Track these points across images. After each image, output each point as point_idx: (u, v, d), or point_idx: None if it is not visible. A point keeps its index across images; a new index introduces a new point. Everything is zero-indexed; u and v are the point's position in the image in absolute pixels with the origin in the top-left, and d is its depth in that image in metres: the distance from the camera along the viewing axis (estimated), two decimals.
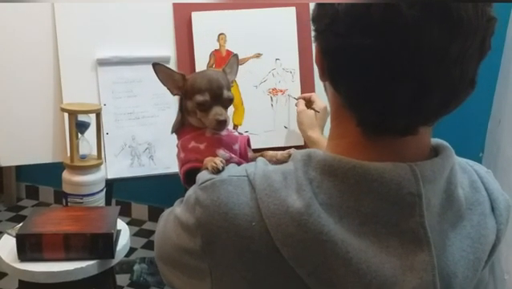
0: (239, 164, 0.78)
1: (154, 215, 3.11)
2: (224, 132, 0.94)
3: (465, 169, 0.72)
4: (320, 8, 0.63)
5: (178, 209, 0.71)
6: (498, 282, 1.56)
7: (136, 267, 2.43)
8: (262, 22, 1.62)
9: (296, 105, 1.54)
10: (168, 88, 0.97)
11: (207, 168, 0.73)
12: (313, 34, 0.66)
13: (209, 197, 0.66)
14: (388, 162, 0.62)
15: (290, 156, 0.73)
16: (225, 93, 0.92)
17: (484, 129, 2.10)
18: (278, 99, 1.61)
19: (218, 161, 0.74)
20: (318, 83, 1.62)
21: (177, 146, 0.96)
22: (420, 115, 0.62)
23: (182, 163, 0.92)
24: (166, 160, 1.55)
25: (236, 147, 0.93)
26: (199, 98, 0.91)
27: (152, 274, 2.42)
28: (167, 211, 0.81)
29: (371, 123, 0.64)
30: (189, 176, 0.87)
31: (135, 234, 2.91)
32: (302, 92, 1.60)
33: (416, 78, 0.58)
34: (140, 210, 3.15)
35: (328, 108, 1.32)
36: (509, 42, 1.93)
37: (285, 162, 0.70)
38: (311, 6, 1.64)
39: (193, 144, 0.92)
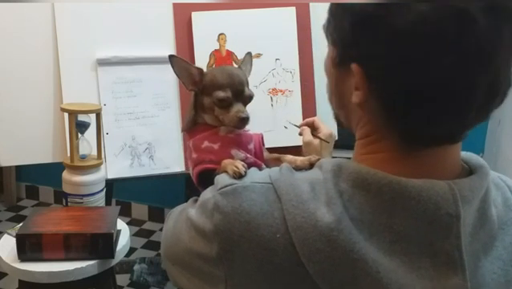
0: (255, 164, 0.75)
1: (154, 215, 3.11)
2: (237, 131, 0.90)
3: (498, 186, 0.69)
4: (362, 30, 0.58)
5: (192, 211, 0.68)
6: None
7: (136, 267, 2.42)
8: (262, 22, 1.62)
9: (300, 134, 1.30)
10: (184, 82, 0.92)
11: (226, 172, 0.70)
12: (346, 57, 0.61)
13: (230, 204, 0.62)
14: (426, 179, 0.60)
15: (310, 163, 0.70)
16: (247, 90, 0.89)
17: (484, 129, 2.10)
18: (278, 99, 1.61)
19: (240, 166, 0.71)
20: (318, 83, 1.62)
21: (189, 146, 0.91)
22: (482, 118, 0.60)
23: (195, 164, 0.88)
24: (166, 160, 1.55)
25: (251, 146, 0.90)
26: (220, 94, 0.87)
27: (152, 274, 2.42)
28: (177, 209, 0.78)
29: (417, 134, 0.61)
30: (203, 177, 0.84)
31: (135, 234, 2.91)
32: (302, 91, 1.60)
33: (489, 82, 0.57)
34: (140, 210, 3.15)
35: (334, 134, 1.21)
36: None
37: (304, 169, 0.68)
38: (312, 6, 1.65)
39: (206, 144, 0.88)
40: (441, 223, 0.59)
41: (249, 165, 0.75)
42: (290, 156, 0.83)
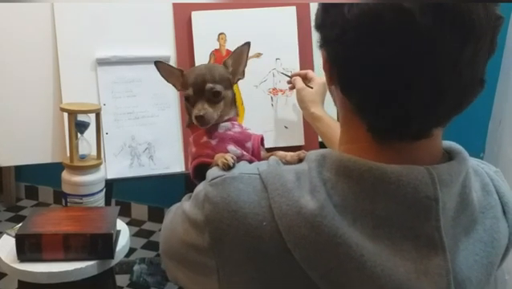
0: (250, 162, 0.77)
1: (154, 215, 3.11)
2: (237, 129, 0.93)
3: (477, 172, 0.71)
4: (327, 16, 0.63)
5: (186, 205, 0.71)
6: (499, 282, 1.55)
7: (136, 268, 2.42)
8: (262, 22, 1.61)
9: (289, 82, 1.52)
10: (172, 85, 0.97)
11: (217, 165, 0.72)
12: (319, 41, 0.65)
13: (219, 194, 0.65)
14: (405, 165, 0.62)
15: (299, 159, 0.73)
16: (208, 86, 0.90)
17: (485, 129, 2.10)
18: (279, 98, 1.60)
19: (229, 158, 0.73)
20: None
21: (190, 140, 0.94)
22: (433, 118, 0.62)
23: (193, 157, 0.90)
24: (166, 160, 1.55)
25: (248, 145, 0.92)
26: (185, 93, 0.91)
27: (152, 274, 2.42)
28: (174, 206, 0.80)
29: (383, 129, 0.63)
30: (199, 171, 0.86)
31: (134, 235, 2.91)
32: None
33: (430, 83, 0.58)
34: (139, 210, 3.15)
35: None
36: (509, 42, 1.93)
37: (294, 164, 0.69)
38: (312, 6, 1.65)
39: (204, 139, 0.90)
40: (421, 206, 0.61)
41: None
42: (281, 152, 0.85)
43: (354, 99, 0.64)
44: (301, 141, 1.58)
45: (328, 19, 0.62)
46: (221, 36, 1.58)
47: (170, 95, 1.54)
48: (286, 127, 1.61)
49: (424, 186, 0.61)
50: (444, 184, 0.62)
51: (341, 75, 0.64)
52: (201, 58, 1.56)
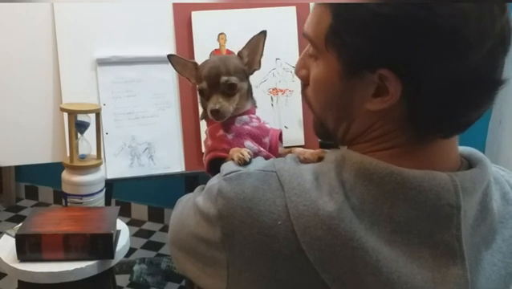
0: (267, 158, 0.76)
1: (154, 215, 3.11)
2: (255, 123, 0.90)
3: (497, 180, 0.70)
4: (412, 33, 0.57)
5: (199, 197, 0.69)
6: None
7: (136, 268, 2.42)
8: (262, 22, 1.61)
9: None
10: (187, 78, 0.95)
11: (233, 159, 0.71)
12: (387, 63, 0.58)
13: (233, 190, 0.64)
14: (427, 170, 0.61)
15: (319, 157, 0.71)
16: (223, 79, 0.87)
17: (485, 129, 2.10)
18: (279, 98, 1.60)
19: (246, 153, 0.72)
20: None
21: (206, 132, 0.93)
22: (474, 117, 0.64)
23: (208, 150, 0.89)
24: (166, 160, 1.54)
25: (266, 140, 0.90)
26: (199, 86, 0.89)
27: (152, 274, 2.42)
28: (185, 197, 0.79)
29: (446, 129, 0.63)
30: (213, 165, 0.85)
31: (134, 235, 2.91)
32: None
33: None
34: (139, 210, 3.15)
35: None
36: None
37: (313, 162, 0.69)
38: (312, 5, 1.64)
39: (221, 132, 0.88)
40: (442, 214, 0.60)
41: None
42: (300, 149, 0.83)
43: (428, 107, 0.61)
44: (301, 141, 1.58)
45: (405, 37, 0.56)
46: (221, 36, 1.58)
47: (170, 96, 1.54)
48: (286, 127, 1.60)
49: (447, 193, 0.60)
50: (466, 192, 0.61)
51: (424, 89, 0.59)
52: (201, 58, 1.55)
